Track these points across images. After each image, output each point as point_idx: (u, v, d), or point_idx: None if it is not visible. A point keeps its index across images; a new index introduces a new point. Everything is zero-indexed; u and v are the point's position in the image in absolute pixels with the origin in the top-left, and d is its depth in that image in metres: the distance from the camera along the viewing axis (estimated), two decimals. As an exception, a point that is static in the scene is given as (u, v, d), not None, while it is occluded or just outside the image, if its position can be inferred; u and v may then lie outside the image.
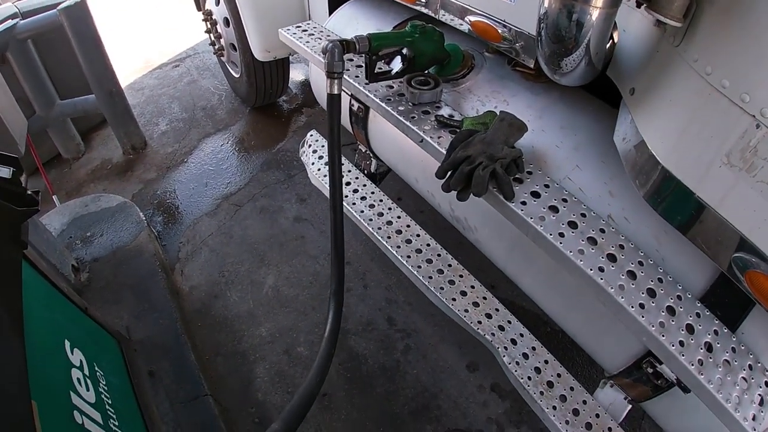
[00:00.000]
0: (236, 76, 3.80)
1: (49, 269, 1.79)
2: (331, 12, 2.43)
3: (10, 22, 3.14)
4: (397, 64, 1.65)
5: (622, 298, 1.11)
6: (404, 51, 1.62)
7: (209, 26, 3.67)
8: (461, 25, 1.64)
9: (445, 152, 1.44)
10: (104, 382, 1.73)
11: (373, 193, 2.21)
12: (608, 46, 1.17)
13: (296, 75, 4.39)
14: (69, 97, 3.58)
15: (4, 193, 1.40)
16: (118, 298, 2.54)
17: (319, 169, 2.37)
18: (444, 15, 1.69)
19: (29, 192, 1.48)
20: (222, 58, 3.88)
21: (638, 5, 0.95)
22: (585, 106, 1.54)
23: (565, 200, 1.31)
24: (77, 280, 2.53)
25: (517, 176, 1.37)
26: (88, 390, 1.59)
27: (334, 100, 1.50)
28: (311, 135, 2.57)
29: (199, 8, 3.88)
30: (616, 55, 1.23)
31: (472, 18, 1.56)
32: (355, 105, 2.10)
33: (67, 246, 2.77)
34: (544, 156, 1.46)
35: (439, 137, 1.53)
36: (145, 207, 3.24)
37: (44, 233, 2.34)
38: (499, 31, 1.49)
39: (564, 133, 1.48)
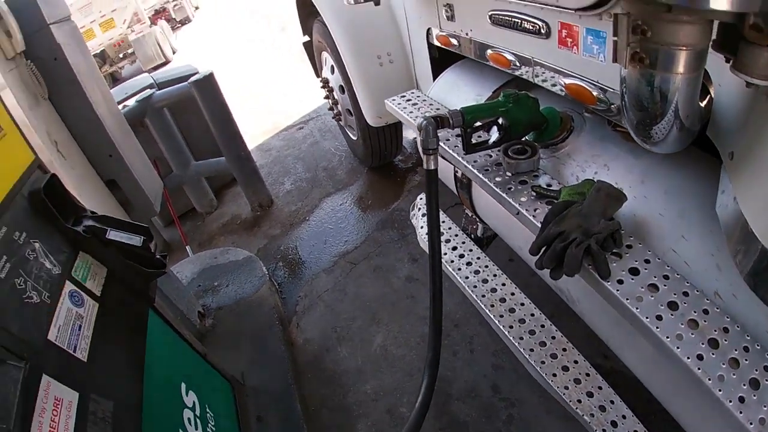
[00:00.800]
0: (354, 138, 4.01)
1: (175, 317, 1.96)
2: (435, 78, 2.50)
3: (147, 92, 3.67)
4: (494, 134, 1.64)
5: (720, 390, 0.97)
6: (500, 120, 1.60)
7: (327, 92, 3.93)
8: (555, 87, 1.60)
9: (540, 226, 1.38)
10: (213, 423, 1.85)
11: (478, 258, 2.18)
12: (704, 103, 1.08)
13: (411, 134, 4.53)
14: (203, 158, 4.03)
15: (135, 258, 1.61)
16: (238, 344, 2.71)
17: (427, 233, 2.40)
18: (538, 78, 1.66)
19: (158, 256, 1.67)
20: (340, 121, 4.12)
21: (726, 60, 0.85)
22: (692, 164, 1.39)
23: (666, 277, 1.19)
24: (202, 325, 2.74)
25: (615, 251, 1.27)
26: (196, 429, 1.71)
27: (431, 175, 1.52)
28: (420, 198, 2.62)
29: (317, 75, 4.19)
30: (713, 113, 1.12)
31: (566, 80, 1.52)
32: (459, 170, 2.12)
33: (196, 294, 3.02)
34: (646, 225, 1.34)
35: (535, 210, 1.46)
36: (268, 261, 3.46)
37: (175, 282, 2.58)
38: (594, 93, 1.43)
39: (668, 199, 1.35)
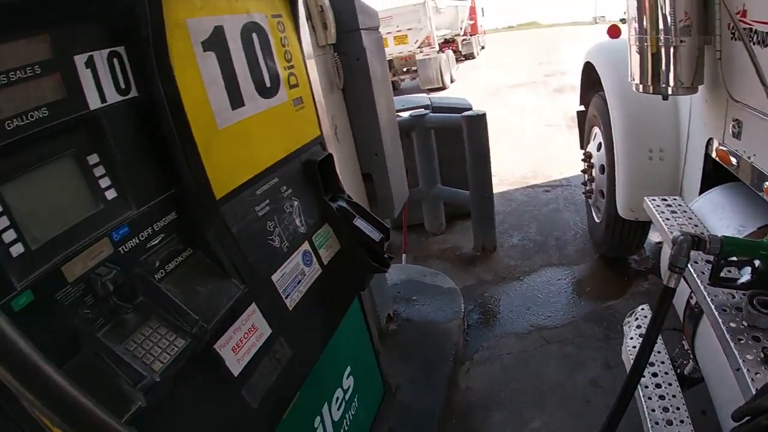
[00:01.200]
0: (596, 220, 3.84)
1: (369, 307, 2.14)
2: (701, 192, 2.28)
3: (422, 111, 4.05)
4: (745, 274, 1.46)
5: None
6: (756, 263, 1.41)
7: (586, 167, 3.84)
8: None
9: (754, 392, 1.19)
10: (352, 413, 1.99)
11: (674, 396, 1.94)
12: None
13: (655, 237, 4.17)
14: (449, 185, 4.27)
15: (368, 248, 1.81)
16: (407, 359, 2.84)
17: (634, 347, 2.20)
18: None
19: (386, 256, 1.86)
20: (589, 199, 3.97)
21: None
22: None
23: None
24: (386, 326, 2.92)
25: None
26: (338, 410, 1.87)
27: (667, 294, 1.41)
28: (642, 309, 2.41)
29: (582, 146, 4.11)
30: None
31: None
32: (695, 298, 1.91)
33: (393, 297, 3.22)
34: None
35: (756, 373, 1.26)
36: (468, 301, 3.52)
37: (381, 278, 2.80)
38: None
39: None
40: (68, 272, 1.01)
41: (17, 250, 0.94)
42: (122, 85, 1.16)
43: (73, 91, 1.06)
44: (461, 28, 20.57)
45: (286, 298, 1.52)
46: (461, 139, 3.87)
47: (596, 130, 3.62)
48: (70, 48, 1.06)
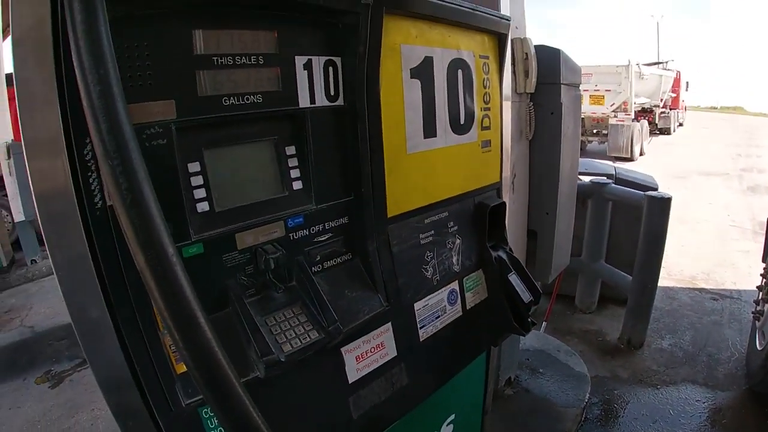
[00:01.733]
0: (758, 347, 3.32)
1: (494, 367, 2.07)
2: None
3: (605, 180, 3.82)
4: None
5: None
6: None
7: (763, 283, 3.39)
8: None
9: None
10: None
11: None
12: None
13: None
14: (612, 264, 3.98)
15: (514, 307, 1.76)
16: (512, 428, 2.67)
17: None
18: None
19: (530, 320, 1.79)
20: (756, 321, 3.47)
21: None
22: None
23: None
24: (503, 389, 2.80)
25: None
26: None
27: None
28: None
29: (763, 259, 3.66)
30: None
31: None
32: None
33: (520, 362, 3.08)
34: None
35: None
36: (595, 392, 3.24)
37: (515, 340, 2.69)
38: None
39: None
40: (240, 240, 1.14)
41: (203, 207, 1.08)
42: (332, 92, 1.28)
43: (287, 87, 1.20)
44: (661, 100, 19.31)
45: (420, 328, 1.52)
46: (638, 219, 3.61)
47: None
48: (294, 48, 1.20)
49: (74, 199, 0.90)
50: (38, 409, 3.24)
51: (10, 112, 5.89)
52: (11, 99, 5.99)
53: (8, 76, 5.90)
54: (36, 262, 6.02)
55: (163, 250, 0.73)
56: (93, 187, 0.92)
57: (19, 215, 5.67)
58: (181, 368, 1.02)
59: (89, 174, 0.91)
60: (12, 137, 5.70)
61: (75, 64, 0.73)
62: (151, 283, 0.73)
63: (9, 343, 4.24)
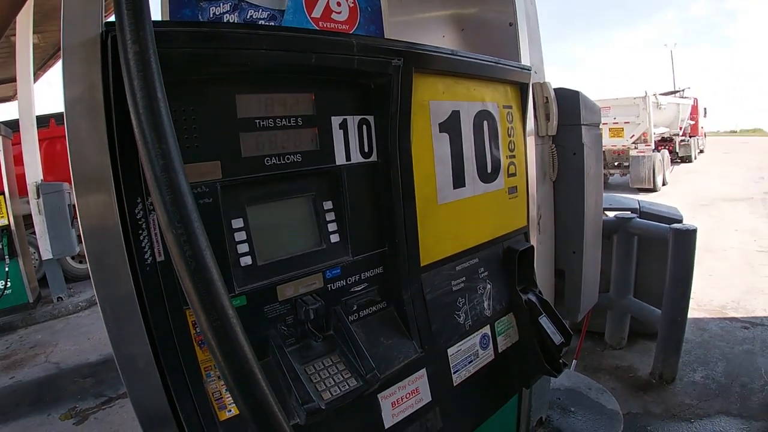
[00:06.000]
0: None
1: (526, 407, 2.07)
2: None
3: (629, 215, 3.83)
4: None
5: None
6: None
7: None
8: None
9: None
10: None
11: None
12: None
13: None
14: (640, 298, 3.94)
15: (545, 349, 1.77)
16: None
17: None
18: None
19: (561, 361, 1.79)
20: None
21: None
22: None
23: None
24: (534, 429, 2.77)
25: None
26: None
27: None
28: None
29: None
30: None
31: None
32: None
33: (551, 402, 3.05)
34: None
35: None
36: (628, 430, 3.17)
37: (546, 380, 2.67)
38: None
39: None
40: (281, 292, 1.20)
41: (246, 261, 1.15)
42: (366, 149, 1.35)
43: (325, 146, 1.28)
44: (681, 128, 19.08)
45: (454, 373, 1.55)
46: (664, 252, 3.58)
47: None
48: (330, 109, 1.28)
49: (125, 255, 0.97)
50: (62, 445, 3.27)
51: (40, 152, 6.09)
52: (41, 140, 6.23)
53: (39, 118, 6.15)
54: (62, 299, 6.15)
55: (225, 313, 0.78)
56: (143, 244, 0.99)
57: (46, 253, 5.84)
58: (224, 415, 1.06)
59: (140, 232, 0.98)
60: (42, 177, 5.89)
61: (137, 137, 0.81)
62: (213, 344, 0.78)
63: (34, 378, 4.30)
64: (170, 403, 1.02)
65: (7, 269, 5.66)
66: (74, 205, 5.46)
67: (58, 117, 7.23)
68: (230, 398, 1.07)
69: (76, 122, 0.94)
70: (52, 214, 5.68)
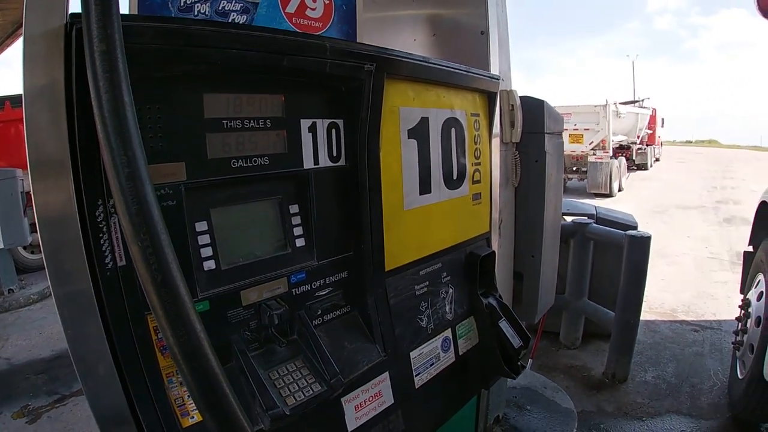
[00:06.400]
0: (739, 376, 3.37)
1: (484, 407, 2.11)
2: None
3: (586, 220, 3.96)
4: None
5: None
6: None
7: (741, 314, 3.42)
8: None
9: None
10: None
11: None
12: None
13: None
14: (594, 300, 4.07)
15: (504, 351, 1.81)
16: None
17: None
18: None
19: (520, 363, 1.84)
20: (737, 351, 3.50)
21: None
22: None
23: None
24: (491, 426, 2.82)
25: None
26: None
27: None
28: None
29: (741, 291, 3.71)
30: None
31: None
32: None
33: (508, 400, 3.11)
34: None
35: None
36: (582, 427, 3.26)
37: (503, 379, 2.72)
38: None
39: None
40: (245, 297, 1.18)
41: (209, 265, 1.13)
42: (334, 153, 1.35)
43: (293, 149, 1.26)
44: (638, 137, 19.63)
45: (416, 375, 1.57)
46: (619, 257, 3.70)
47: (760, 276, 3.25)
48: (299, 112, 1.27)
49: (85, 260, 0.94)
50: (14, 445, 3.16)
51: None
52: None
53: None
54: (13, 291, 5.89)
55: (191, 327, 0.78)
56: (104, 248, 0.96)
57: (-4, 242, 5.58)
58: (187, 422, 1.05)
59: (101, 235, 0.95)
60: (-7, 166, 5.64)
61: (102, 142, 0.78)
62: (179, 358, 0.77)
63: (-17, 374, 4.14)
64: (131, 409, 1.00)
65: (-45, 259, 5.43)
66: (28, 193, 5.30)
67: (13, 99, 6.91)
68: (193, 405, 1.06)
69: (35, 115, 0.90)
70: (4, 202, 5.43)
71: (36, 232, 0.96)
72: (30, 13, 0.88)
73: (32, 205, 0.95)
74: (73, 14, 0.89)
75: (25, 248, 6.73)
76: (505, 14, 2.25)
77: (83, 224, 0.93)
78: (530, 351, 3.73)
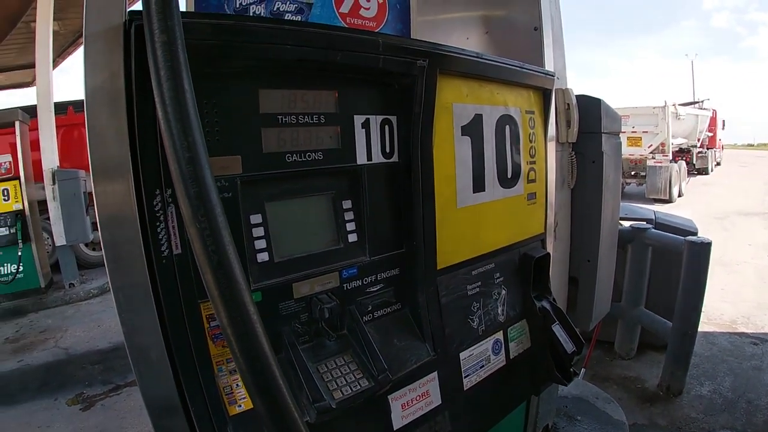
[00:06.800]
0: None
1: (533, 414, 2.06)
2: None
3: (646, 225, 3.79)
4: None
5: None
6: None
7: None
8: None
9: None
10: None
11: None
12: None
13: None
14: (652, 309, 3.93)
15: (557, 356, 1.76)
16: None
17: None
18: None
19: (572, 369, 1.78)
20: None
21: None
22: None
23: None
24: (541, 436, 2.75)
25: None
26: None
27: None
28: None
29: None
30: None
31: None
32: None
33: (558, 410, 3.03)
34: None
35: None
36: (634, 442, 3.16)
37: (554, 387, 2.65)
38: None
39: None
40: (296, 289, 1.19)
41: (263, 257, 1.15)
42: (387, 149, 1.34)
43: (346, 145, 1.27)
44: (698, 139, 18.82)
45: (465, 377, 1.54)
46: (678, 264, 3.55)
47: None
48: (353, 108, 1.27)
49: (141, 247, 0.96)
50: (67, 430, 3.28)
51: (57, 139, 6.13)
52: (59, 127, 6.27)
53: (56, 105, 6.18)
54: (74, 285, 6.20)
55: (246, 309, 0.78)
56: (161, 237, 0.99)
57: (60, 239, 5.86)
58: (234, 411, 1.06)
59: (158, 224, 0.98)
60: (58, 164, 5.93)
61: (163, 128, 0.80)
62: (232, 340, 0.77)
63: (42, 362, 4.33)
64: (180, 396, 1.02)
65: (19, 254, 5.73)
66: (90, 193, 5.52)
67: (76, 104, 7.28)
68: (241, 394, 1.07)
69: (96, 111, 0.93)
70: (67, 201, 5.72)
71: (97, 230, 0.99)
72: (90, 14, 0.91)
73: (94, 205, 0.98)
74: (132, 11, 0.92)
75: (86, 245, 7.07)
76: (558, 11, 2.20)
77: (141, 213, 0.96)
78: (583, 359, 3.63)
